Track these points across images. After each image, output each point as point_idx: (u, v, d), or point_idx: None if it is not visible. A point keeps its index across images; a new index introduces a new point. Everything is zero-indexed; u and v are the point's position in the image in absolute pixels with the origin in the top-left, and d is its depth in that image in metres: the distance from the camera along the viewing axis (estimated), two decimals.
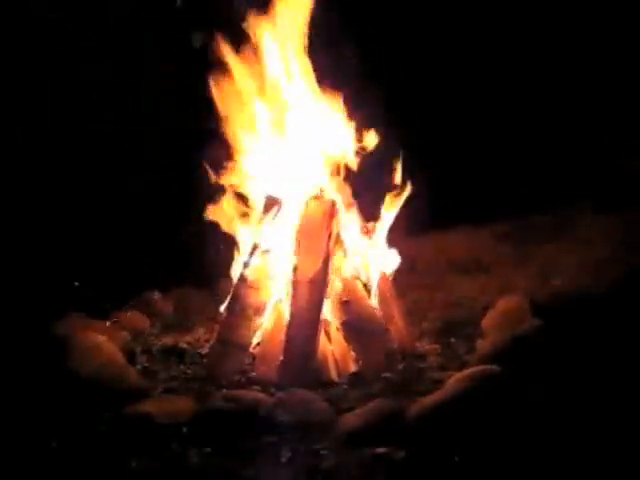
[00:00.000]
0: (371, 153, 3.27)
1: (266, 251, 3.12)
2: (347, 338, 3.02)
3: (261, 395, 2.65)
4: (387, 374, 2.91)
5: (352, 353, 3.00)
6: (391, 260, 3.27)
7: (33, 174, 4.09)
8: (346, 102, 3.24)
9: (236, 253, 3.30)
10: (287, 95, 3.25)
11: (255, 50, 3.24)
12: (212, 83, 3.28)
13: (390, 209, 3.28)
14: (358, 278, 3.15)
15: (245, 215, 3.29)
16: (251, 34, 3.23)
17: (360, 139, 3.25)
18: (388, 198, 3.28)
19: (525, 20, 4.39)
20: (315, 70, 3.25)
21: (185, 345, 3.33)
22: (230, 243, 3.32)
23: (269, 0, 3.20)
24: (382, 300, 3.17)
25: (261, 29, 3.23)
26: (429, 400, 2.49)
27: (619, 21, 4.32)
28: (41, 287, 3.60)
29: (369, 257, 3.23)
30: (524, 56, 4.38)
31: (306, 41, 3.23)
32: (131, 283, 3.69)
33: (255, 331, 3.06)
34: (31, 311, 3.29)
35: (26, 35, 4.09)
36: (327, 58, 3.30)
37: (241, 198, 3.31)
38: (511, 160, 4.32)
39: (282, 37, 3.24)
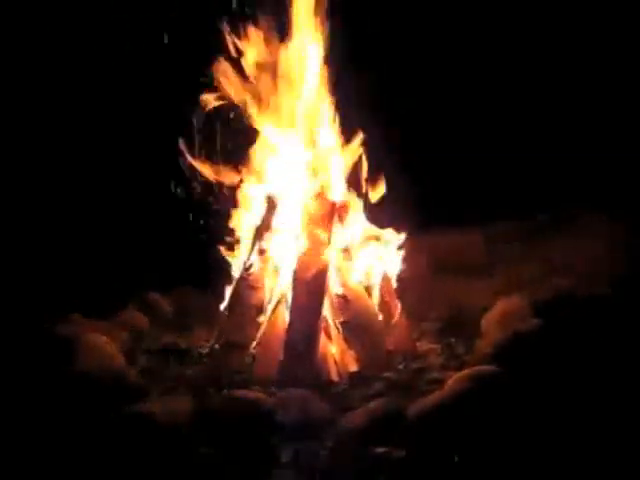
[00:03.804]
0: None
1: (266, 251, 3.12)
2: (347, 338, 3.02)
3: (261, 395, 2.65)
4: (387, 374, 2.91)
5: (352, 353, 3.00)
6: (392, 260, 3.27)
7: (33, 174, 4.09)
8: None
9: (236, 253, 3.30)
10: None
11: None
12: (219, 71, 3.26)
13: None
14: (359, 278, 3.15)
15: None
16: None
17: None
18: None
19: (525, 23, 4.39)
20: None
21: (185, 345, 3.32)
22: (230, 243, 3.32)
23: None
24: (382, 300, 3.17)
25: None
26: (429, 400, 2.49)
27: (618, 23, 4.31)
28: (42, 288, 3.60)
29: (370, 257, 3.23)
30: (525, 56, 4.38)
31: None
32: (131, 283, 3.69)
33: (255, 331, 3.06)
34: (32, 312, 3.29)
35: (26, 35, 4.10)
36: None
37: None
38: (512, 160, 4.32)
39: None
